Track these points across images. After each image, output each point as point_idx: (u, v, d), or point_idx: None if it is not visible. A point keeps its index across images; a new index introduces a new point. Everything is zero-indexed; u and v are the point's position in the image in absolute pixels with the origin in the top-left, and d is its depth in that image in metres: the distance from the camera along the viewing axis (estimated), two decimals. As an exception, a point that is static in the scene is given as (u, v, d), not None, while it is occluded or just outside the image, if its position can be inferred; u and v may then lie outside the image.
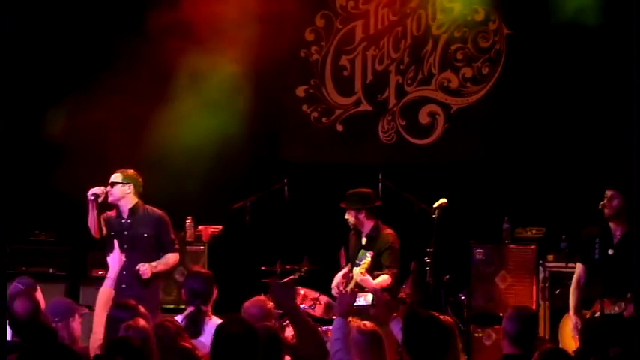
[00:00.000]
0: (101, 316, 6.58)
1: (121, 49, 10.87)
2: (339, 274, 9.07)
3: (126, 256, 8.10)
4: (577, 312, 8.21)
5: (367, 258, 8.55)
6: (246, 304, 6.90)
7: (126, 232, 8.44)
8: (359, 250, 8.81)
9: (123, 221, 8.52)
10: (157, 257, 8.56)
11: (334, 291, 8.92)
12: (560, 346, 8.32)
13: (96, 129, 10.26)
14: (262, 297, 7.37)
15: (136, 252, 8.35)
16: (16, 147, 10.45)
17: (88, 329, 6.68)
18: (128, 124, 10.41)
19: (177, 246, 8.76)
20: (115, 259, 7.14)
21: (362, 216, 8.84)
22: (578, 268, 8.31)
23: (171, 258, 8.64)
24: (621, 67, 9.91)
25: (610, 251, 7.84)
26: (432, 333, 5.33)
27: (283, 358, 5.50)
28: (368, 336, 5.95)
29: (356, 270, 8.55)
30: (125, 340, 5.26)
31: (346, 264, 9.21)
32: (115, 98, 10.47)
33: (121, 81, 10.39)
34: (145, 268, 8.34)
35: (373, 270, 8.63)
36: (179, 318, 6.85)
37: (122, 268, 8.17)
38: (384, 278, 8.53)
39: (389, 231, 8.87)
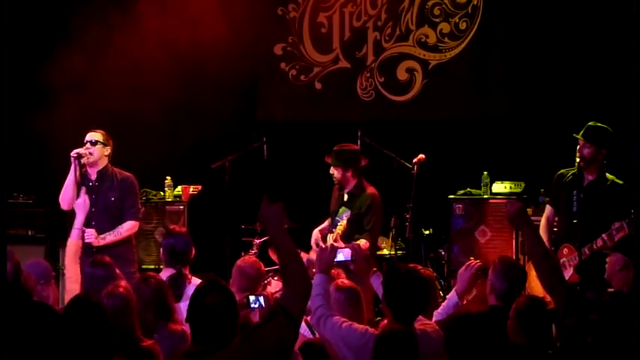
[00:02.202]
0: (73, 270, 6.55)
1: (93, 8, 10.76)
2: (317, 230, 9.08)
3: (95, 221, 7.93)
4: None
5: (343, 221, 8.57)
6: (242, 263, 6.88)
7: (93, 196, 7.97)
8: (340, 207, 8.86)
9: (90, 184, 8.10)
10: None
11: (313, 246, 8.93)
12: (528, 292, 8.41)
13: (73, 88, 10.15)
14: (255, 258, 7.37)
15: (105, 216, 8.04)
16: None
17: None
18: (105, 81, 10.32)
19: (139, 215, 8.31)
20: (81, 205, 7.18)
21: (348, 174, 8.84)
22: (547, 209, 8.34)
23: (126, 227, 8.10)
24: (598, 19, 9.94)
25: (580, 195, 7.87)
26: (412, 287, 5.35)
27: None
28: (346, 293, 5.99)
29: (333, 232, 8.60)
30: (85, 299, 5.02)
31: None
32: (90, 56, 10.37)
33: (97, 37, 10.32)
34: (90, 237, 7.78)
35: (354, 233, 8.65)
36: (161, 277, 6.71)
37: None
38: (361, 243, 8.55)
39: (371, 190, 8.86)
